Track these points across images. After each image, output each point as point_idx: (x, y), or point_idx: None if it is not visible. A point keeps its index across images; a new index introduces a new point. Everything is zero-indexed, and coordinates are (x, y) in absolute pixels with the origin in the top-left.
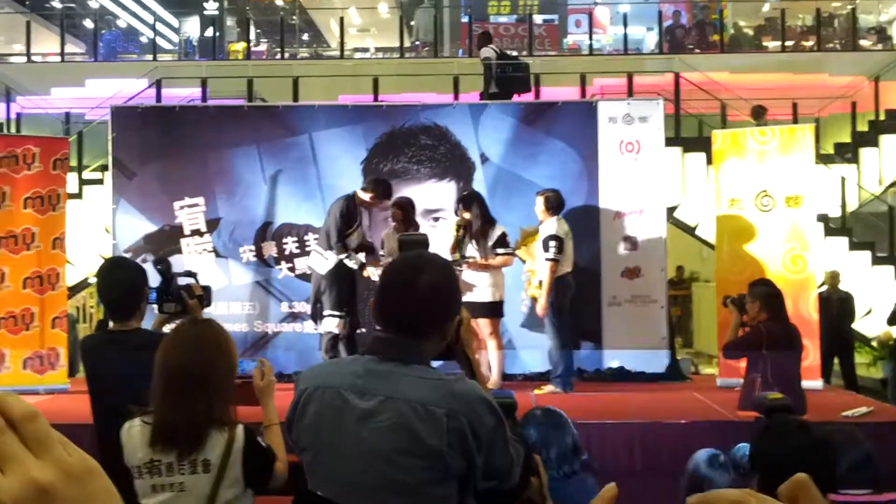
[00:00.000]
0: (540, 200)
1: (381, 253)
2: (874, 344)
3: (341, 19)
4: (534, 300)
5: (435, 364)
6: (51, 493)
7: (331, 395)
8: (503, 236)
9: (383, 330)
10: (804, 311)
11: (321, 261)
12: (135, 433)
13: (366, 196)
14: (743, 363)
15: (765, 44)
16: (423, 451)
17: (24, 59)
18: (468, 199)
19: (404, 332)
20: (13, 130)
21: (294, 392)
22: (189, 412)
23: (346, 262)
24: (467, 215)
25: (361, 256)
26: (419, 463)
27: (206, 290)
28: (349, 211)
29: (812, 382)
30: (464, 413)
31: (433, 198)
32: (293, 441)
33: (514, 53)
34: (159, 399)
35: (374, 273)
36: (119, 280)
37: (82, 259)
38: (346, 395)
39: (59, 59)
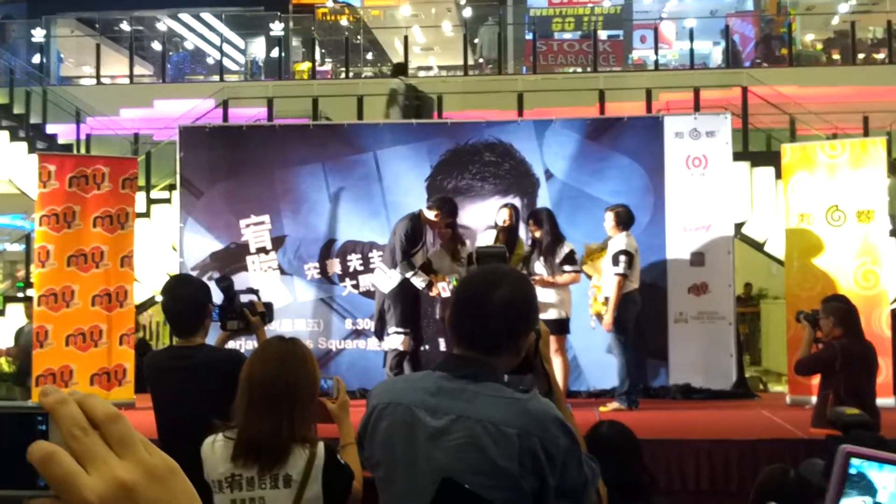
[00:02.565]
0: (610, 216)
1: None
2: None
3: (405, 38)
4: (599, 316)
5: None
6: (134, 491)
7: (402, 412)
8: (571, 253)
9: (456, 344)
10: (876, 327)
11: (385, 279)
12: (217, 447)
13: (431, 214)
14: (815, 380)
15: (835, 57)
16: (494, 471)
17: (94, 81)
18: (539, 216)
19: (477, 348)
20: (83, 151)
21: (365, 408)
22: (274, 427)
23: (413, 280)
24: (538, 233)
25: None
26: (490, 482)
27: (268, 306)
28: (414, 230)
29: (885, 400)
30: (536, 433)
31: (496, 213)
32: (365, 457)
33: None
34: (244, 414)
35: (443, 289)
36: (183, 296)
37: (150, 277)
38: (417, 413)
39: (127, 80)
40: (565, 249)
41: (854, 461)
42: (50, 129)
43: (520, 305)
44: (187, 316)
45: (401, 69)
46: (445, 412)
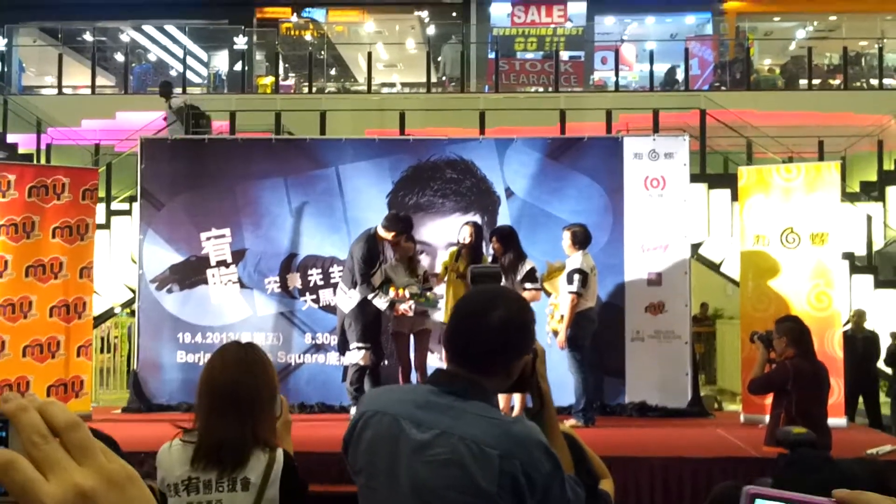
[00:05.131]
0: (567, 235)
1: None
2: None
3: (369, 54)
4: (555, 333)
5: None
6: (92, 498)
7: (388, 422)
8: (532, 271)
9: (449, 360)
10: (829, 348)
11: (345, 299)
12: (175, 451)
13: (387, 234)
14: (768, 399)
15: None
16: (473, 491)
17: (56, 91)
18: (503, 234)
19: (469, 366)
20: (43, 161)
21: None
22: (237, 431)
23: (376, 301)
24: (501, 251)
25: (392, 293)
26: (468, 501)
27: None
28: (370, 251)
29: (836, 420)
30: (518, 456)
31: (458, 231)
32: (348, 463)
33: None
34: (206, 418)
35: (407, 311)
36: None
37: (109, 289)
38: (402, 424)
39: (89, 91)
40: (526, 267)
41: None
42: (10, 138)
43: (515, 328)
44: None
45: (168, 87)
46: (431, 426)
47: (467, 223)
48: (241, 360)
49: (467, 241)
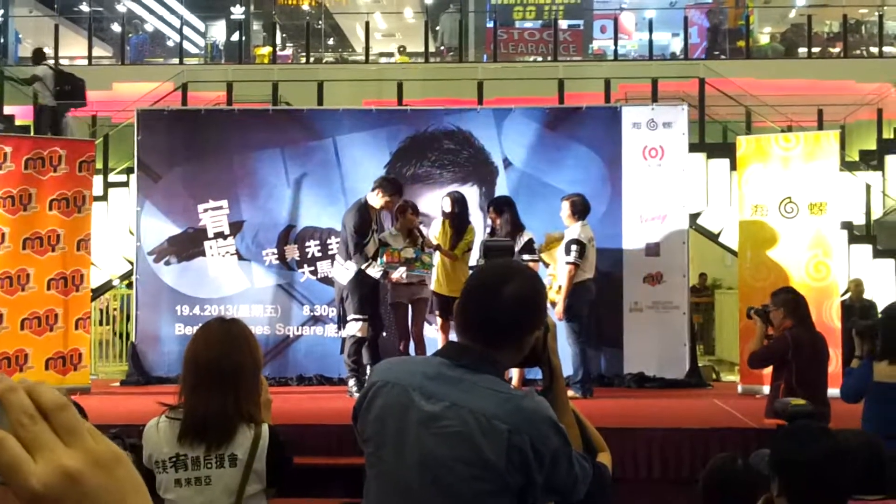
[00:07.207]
0: (566, 205)
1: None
2: None
3: (367, 24)
4: (553, 304)
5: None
6: (79, 479)
7: (398, 392)
8: (530, 242)
9: (461, 333)
10: (827, 318)
11: (342, 271)
12: (162, 428)
13: (376, 199)
14: (766, 371)
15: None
16: (480, 463)
17: (52, 61)
18: (500, 204)
19: (480, 339)
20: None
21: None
22: (220, 406)
23: (369, 271)
24: (498, 221)
25: (385, 258)
26: (475, 473)
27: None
28: (363, 220)
29: (835, 390)
30: (527, 431)
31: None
32: (357, 431)
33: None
34: (190, 394)
35: (402, 274)
36: None
37: (106, 261)
38: (412, 395)
39: (86, 62)
40: (524, 238)
41: None
42: (7, 110)
43: (528, 303)
44: None
45: (39, 54)
46: (441, 398)
47: (447, 194)
48: (224, 335)
49: (448, 211)
